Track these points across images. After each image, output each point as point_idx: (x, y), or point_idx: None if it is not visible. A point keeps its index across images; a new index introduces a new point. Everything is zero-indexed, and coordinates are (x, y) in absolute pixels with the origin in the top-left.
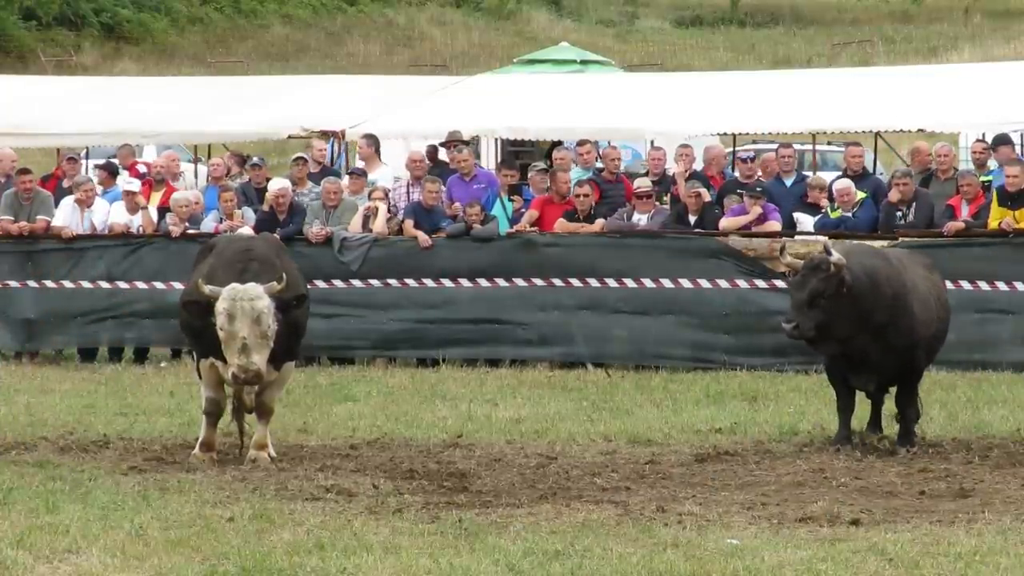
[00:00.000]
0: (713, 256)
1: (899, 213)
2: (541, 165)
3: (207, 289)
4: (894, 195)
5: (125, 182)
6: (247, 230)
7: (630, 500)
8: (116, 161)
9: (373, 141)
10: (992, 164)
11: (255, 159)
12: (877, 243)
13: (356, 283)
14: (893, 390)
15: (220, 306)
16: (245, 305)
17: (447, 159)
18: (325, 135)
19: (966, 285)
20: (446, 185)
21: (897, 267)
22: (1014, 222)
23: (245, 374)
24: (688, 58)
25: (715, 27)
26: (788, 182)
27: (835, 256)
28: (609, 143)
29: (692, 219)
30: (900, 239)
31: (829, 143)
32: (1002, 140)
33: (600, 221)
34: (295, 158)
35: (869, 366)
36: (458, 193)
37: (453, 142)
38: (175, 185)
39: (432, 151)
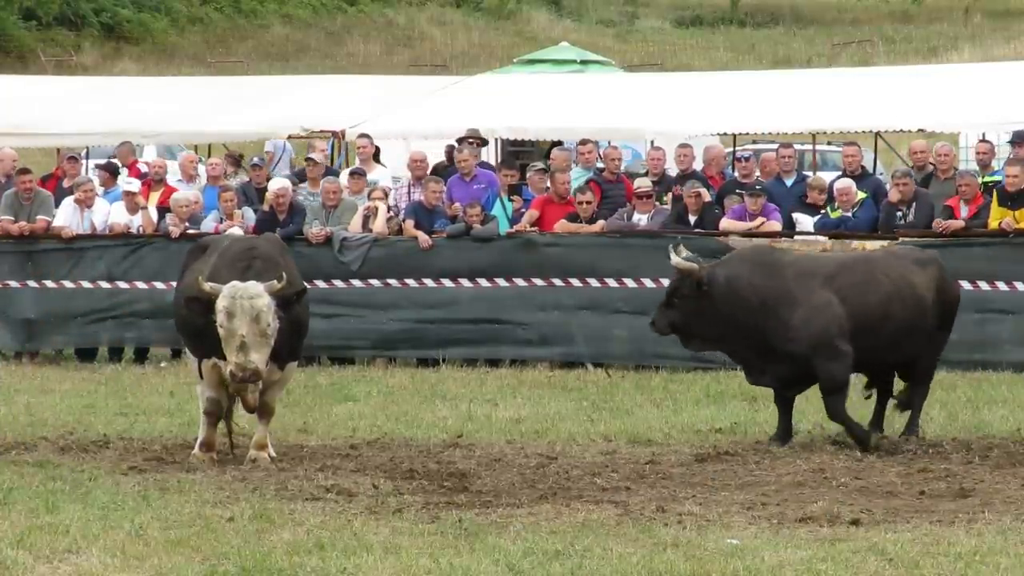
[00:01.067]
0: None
1: (899, 213)
2: (540, 165)
3: (207, 286)
4: (894, 195)
5: (125, 182)
6: (236, 230)
7: (630, 500)
8: (116, 161)
9: (371, 142)
10: (996, 164)
11: (255, 159)
12: (877, 243)
13: (356, 283)
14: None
15: (220, 304)
16: (244, 303)
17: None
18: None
19: (966, 285)
20: (446, 185)
21: (784, 275)
22: (1014, 222)
23: (243, 372)
24: (688, 58)
25: (715, 27)
26: (788, 182)
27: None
28: (609, 143)
29: (692, 219)
30: (900, 239)
31: (829, 143)
32: (1021, 137)
33: (600, 221)
34: (306, 158)
35: (756, 367)
36: (458, 193)
37: (469, 139)
38: (190, 186)
39: (450, 151)
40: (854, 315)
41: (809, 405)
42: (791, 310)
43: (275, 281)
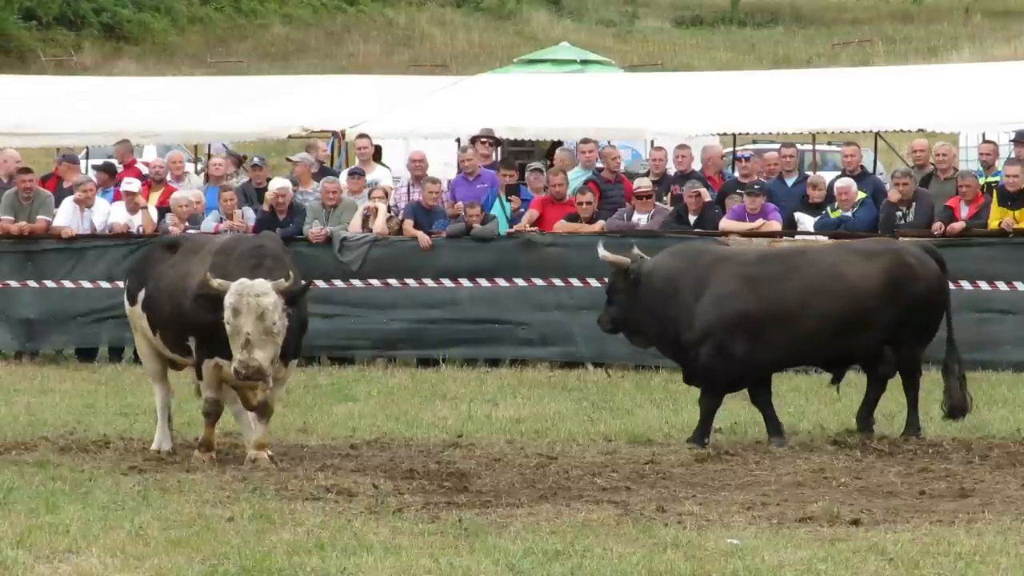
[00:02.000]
0: None
1: (899, 213)
2: (536, 165)
3: (216, 283)
4: (894, 195)
5: (125, 182)
6: (174, 230)
7: (630, 500)
8: (114, 161)
9: (371, 142)
10: (999, 164)
11: (255, 159)
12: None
13: (356, 283)
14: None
15: (227, 300)
16: (251, 301)
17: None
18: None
19: (966, 285)
20: (449, 185)
21: (701, 264)
22: (1014, 222)
23: (246, 370)
24: (688, 58)
25: (715, 27)
26: (789, 182)
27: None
28: (609, 143)
29: (692, 219)
30: (900, 239)
31: (829, 143)
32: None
33: (600, 221)
34: (287, 159)
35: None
36: (461, 193)
37: (483, 138)
38: (179, 186)
39: None
40: (764, 307)
41: (809, 404)
42: (697, 298)
43: (283, 280)
